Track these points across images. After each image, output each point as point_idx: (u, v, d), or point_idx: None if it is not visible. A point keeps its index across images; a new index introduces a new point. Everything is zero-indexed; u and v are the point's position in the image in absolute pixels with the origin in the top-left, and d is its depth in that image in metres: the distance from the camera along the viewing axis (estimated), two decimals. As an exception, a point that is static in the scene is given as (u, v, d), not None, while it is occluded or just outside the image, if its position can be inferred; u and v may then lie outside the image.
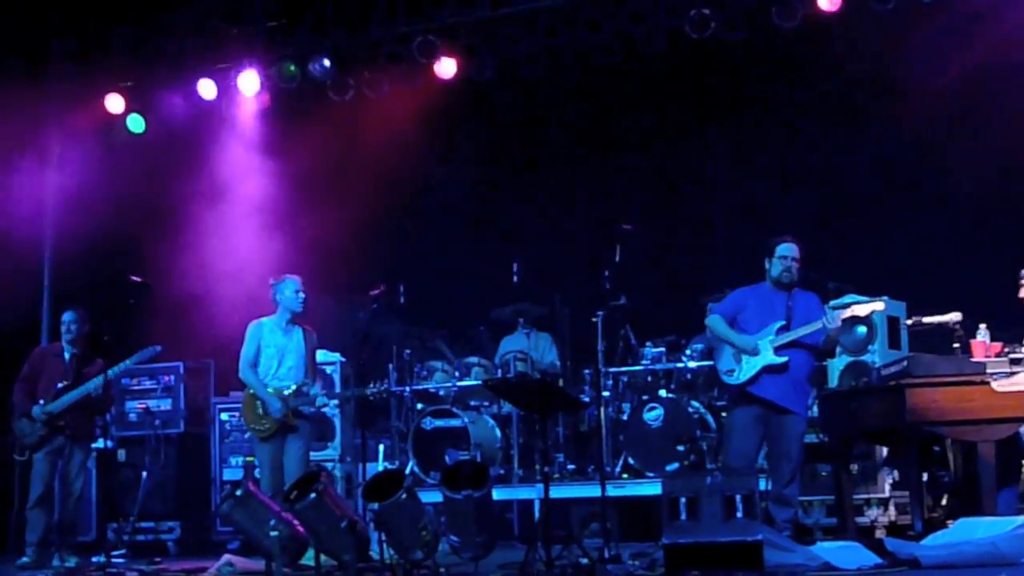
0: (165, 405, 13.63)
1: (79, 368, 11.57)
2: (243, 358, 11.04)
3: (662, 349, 12.51)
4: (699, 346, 12.25)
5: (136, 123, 14.59)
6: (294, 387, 10.90)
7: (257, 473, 11.56)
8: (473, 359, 13.19)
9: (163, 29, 14.38)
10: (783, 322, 9.79)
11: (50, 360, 11.77)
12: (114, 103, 14.54)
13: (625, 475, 12.28)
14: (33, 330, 14.15)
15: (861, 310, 9.84)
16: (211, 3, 14.35)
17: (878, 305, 9.96)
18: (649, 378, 12.61)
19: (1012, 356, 9.83)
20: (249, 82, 14.11)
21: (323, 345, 12.16)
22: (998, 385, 8.47)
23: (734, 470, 9.32)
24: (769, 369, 9.73)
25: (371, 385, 11.19)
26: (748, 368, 9.80)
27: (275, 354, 11.03)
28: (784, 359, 9.69)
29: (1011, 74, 12.22)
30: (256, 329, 11.09)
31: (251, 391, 10.97)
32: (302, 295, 11.02)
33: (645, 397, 12.43)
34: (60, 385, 11.41)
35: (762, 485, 9.36)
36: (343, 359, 13.05)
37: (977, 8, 12.16)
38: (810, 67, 13.22)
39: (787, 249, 9.92)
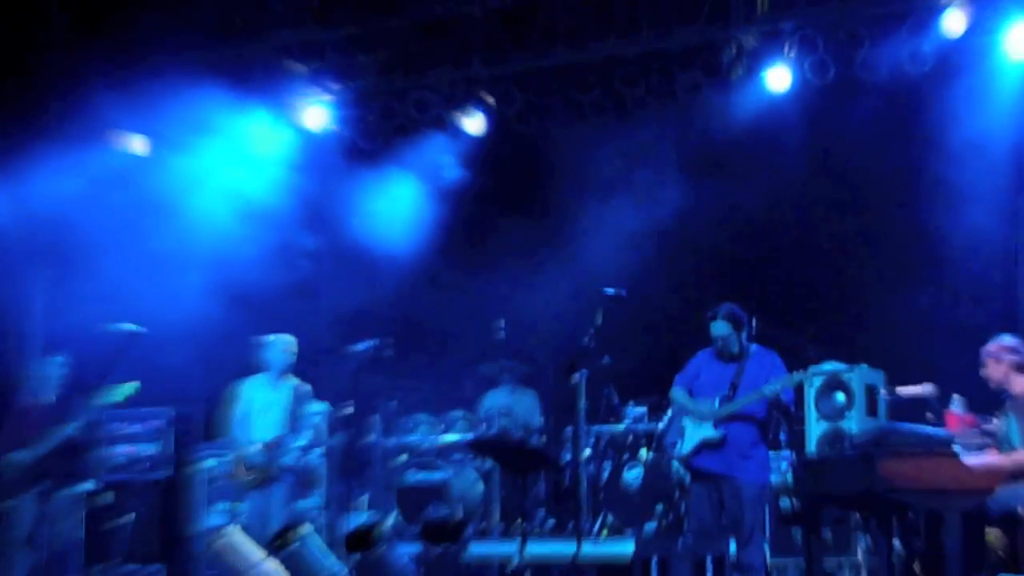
0: (152, 449, 13.71)
1: (59, 413, 11.67)
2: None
3: (644, 409, 12.63)
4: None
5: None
6: (270, 440, 11.26)
7: (246, 520, 11.85)
8: (457, 413, 13.37)
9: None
10: (726, 392, 9.89)
11: (30, 408, 11.87)
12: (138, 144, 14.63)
13: (604, 532, 12.38)
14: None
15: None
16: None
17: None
18: (630, 437, 12.72)
19: (984, 428, 9.93)
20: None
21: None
22: (966, 458, 8.60)
23: (705, 533, 9.47)
24: (707, 443, 9.84)
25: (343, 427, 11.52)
26: (688, 442, 9.94)
27: (261, 409, 11.46)
28: (719, 434, 9.78)
29: (994, 151, 12.40)
30: (236, 389, 11.69)
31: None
32: (288, 350, 11.48)
33: (626, 456, 12.55)
34: (41, 431, 11.52)
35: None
36: (330, 409, 13.17)
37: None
38: (798, 135, 13.33)
39: (716, 329, 10.00)
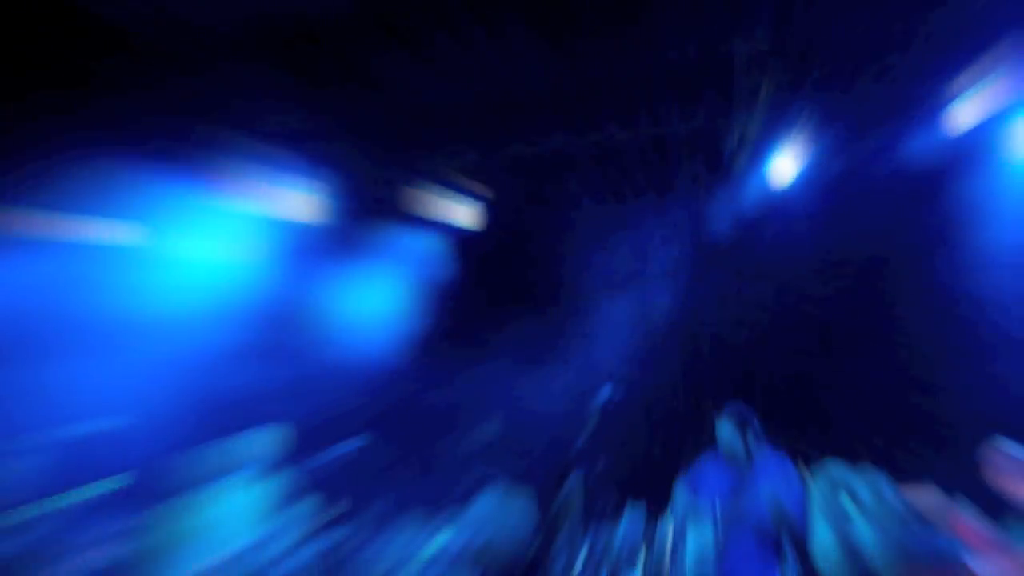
0: (130, 550, 13.39)
1: (32, 512, 11.45)
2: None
3: (642, 513, 12.35)
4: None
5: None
6: (253, 541, 10.97)
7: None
8: (447, 515, 13.09)
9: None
10: (728, 496, 9.62)
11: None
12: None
13: (600, 644, 12.03)
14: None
15: None
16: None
17: None
18: (627, 544, 12.43)
19: (993, 536, 9.59)
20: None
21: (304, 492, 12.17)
22: (976, 568, 8.26)
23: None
24: (708, 550, 9.54)
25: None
26: (690, 549, 9.64)
27: (243, 508, 11.20)
28: (715, 542, 9.50)
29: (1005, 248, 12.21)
30: (219, 487, 11.26)
31: None
32: (269, 450, 11.15)
33: (622, 563, 12.24)
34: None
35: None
36: (317, 509, 12.92)
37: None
38: (803, 226, 13.18)
39: (721, 430, 9.80)
